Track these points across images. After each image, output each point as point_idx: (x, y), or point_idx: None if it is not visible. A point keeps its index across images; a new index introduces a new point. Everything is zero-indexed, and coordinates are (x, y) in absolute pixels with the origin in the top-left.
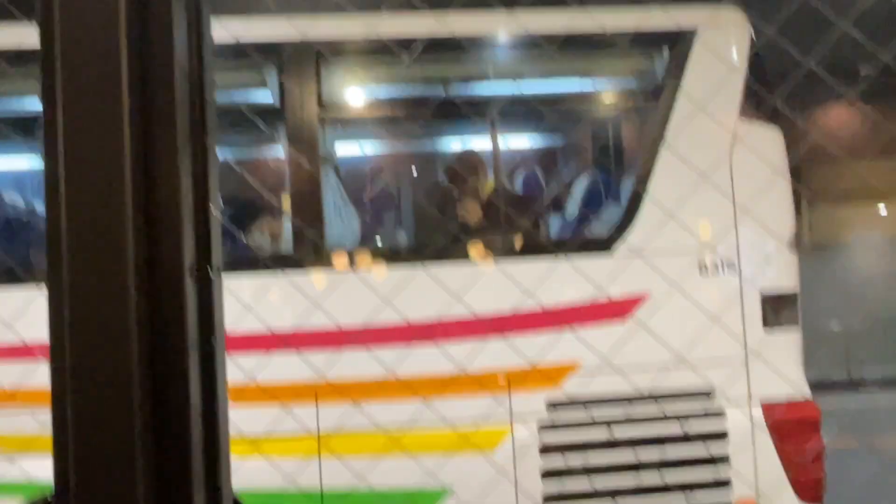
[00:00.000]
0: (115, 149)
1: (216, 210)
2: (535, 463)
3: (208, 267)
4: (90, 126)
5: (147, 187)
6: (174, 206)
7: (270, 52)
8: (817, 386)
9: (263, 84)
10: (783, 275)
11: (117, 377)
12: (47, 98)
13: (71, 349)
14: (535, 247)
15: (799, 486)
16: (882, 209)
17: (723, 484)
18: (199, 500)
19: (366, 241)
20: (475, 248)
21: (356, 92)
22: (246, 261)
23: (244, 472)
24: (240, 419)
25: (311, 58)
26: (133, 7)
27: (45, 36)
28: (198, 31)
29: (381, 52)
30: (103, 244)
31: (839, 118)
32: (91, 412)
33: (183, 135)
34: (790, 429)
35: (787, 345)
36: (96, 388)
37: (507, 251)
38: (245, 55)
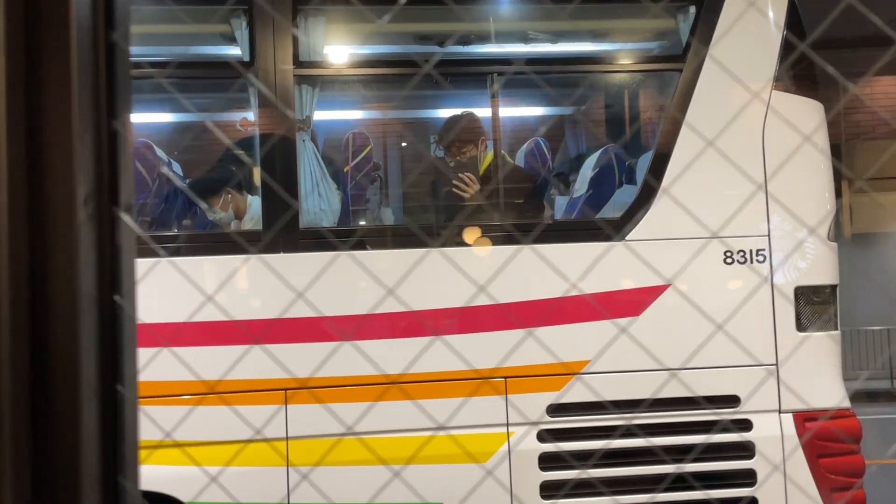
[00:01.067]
0: None
1: (125, 132)
2: (535, 473)
3: (113, 203)
4: None
5: (29, 102)
6: (64, 127)
7: (241, 1)
8: (858, 396)
9: (232, 37)
10: (820, 268)
11: None
12: None
13: None
14: (540, 230)
15: None
16: None
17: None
18: (93, 497)
19: (346, 218)
20: (470, 230)
21: (339, 48)
22: (209, 240)
23: (224, 479)
24: (214, 423)
25: (288, 8)
26: None
27: None
28: None
29: (370, 3)
30: None
31: (889, 91)
32: None
33: (79, 37)
34: (825, 443)
35: (823, 347)
36: None
37: (503, 234)
38: (212, 2)
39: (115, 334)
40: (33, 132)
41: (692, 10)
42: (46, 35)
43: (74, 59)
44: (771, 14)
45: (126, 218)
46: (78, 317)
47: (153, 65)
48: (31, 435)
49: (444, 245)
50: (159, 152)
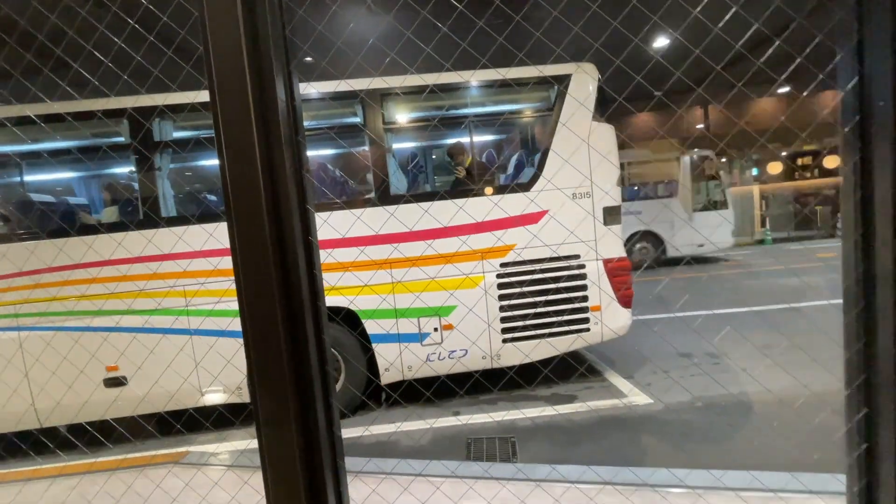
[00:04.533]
0: (250, 153)
1: (307, 174)
2: (495, 291)
3: (305, 203)
4: (239, 142)
5: (269, 169)
6: (283, 174)
7: (357, 95)
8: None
9: (355, 113)
10: (613, 198)
11: (260, 259)
12: (217, 133)
13: (238, 244)
14: (493, 189)
15: (619, 298)
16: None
17: (584, 299)
18: (308, 312)
19: (409, 189)
20: (463, 190)
21: (402, 114)
22: (350, 201)
23: (360, 302)
24: (352, 278)
25: (378, 97)
26: (256, 84)
27: (214, 107)
28: (291, 91)
29: (414, 92)
30: (249, 198)
31: (644, 119)
32: (251, 279)
33: (286, 140)
34: (616, 271)
35: (614, 232)
36: (251, 265)
37: (479, 191)
38: (345, 98)
39: (310, 251)
40: (273, 180)
41: (556, 86)
42: (274, 150)
43: (287, 157)
44: (590, 87)
45: (310, 209)
46: (295, 244)
47: (326, 128)
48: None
49: (454, 198)
50: (330, 167)
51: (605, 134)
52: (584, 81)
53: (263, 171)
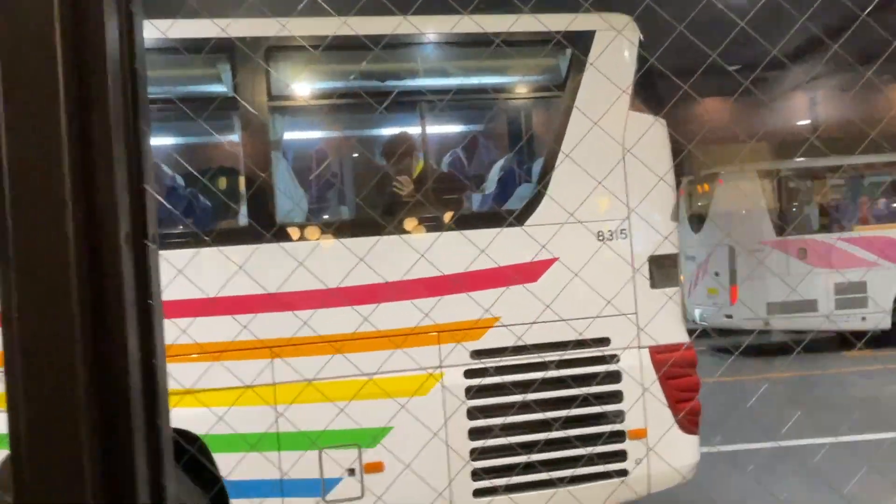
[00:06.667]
0: (53, 134)
1: (150, 187)
2: (461, 402)
3: (144, 237)
4: (30, 111)
5: (84, 167)
6: (109, 185)
7: (224, 48)
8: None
9: (219, 76)
10: (667, 240)
11: (60, 332)
12: None
13: (18, 306)
14: (460, 219)
15: (679, 416)
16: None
17: (618, 416)
18: (140, 438)
19: (312, 215)
20: (408, 221)
21: (302, 84)
22: (200, 235)
23: (215, 418)
24: (214, 372)
25: (262, 52)
26: (67, 5)
27: None
28: (129, 28)
29: (326, 49)
30: (44, 216)
31: (714, 108)
32: (37, 367)
33: (116, 119)
34: (672, 368)
35: (669, 299)
36: (41, 343)
37: (435, 223)
38: (202, 50)
39: (149, 326)
40: (88, 193)
41: (568, 51)
42: (95, 136)
43: (118, 145)
44: (626, 53)
45: (152, 246)
46: (124, 314)
47: (161, 100)
48: (96, 389)
49: (386, 233)
50: (165, 168)
51: (652, 133)
52: (617, 44)
53: (74, 170)
